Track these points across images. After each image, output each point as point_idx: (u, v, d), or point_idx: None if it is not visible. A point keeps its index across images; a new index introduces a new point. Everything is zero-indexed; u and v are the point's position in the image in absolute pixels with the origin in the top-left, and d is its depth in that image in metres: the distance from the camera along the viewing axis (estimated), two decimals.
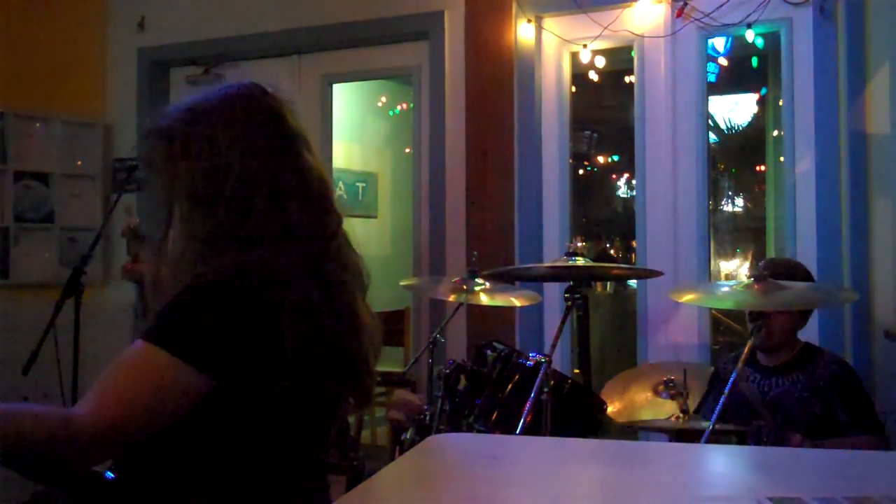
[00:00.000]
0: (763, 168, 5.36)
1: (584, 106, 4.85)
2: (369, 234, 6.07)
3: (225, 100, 1.44)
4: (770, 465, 1.20)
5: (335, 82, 4.28)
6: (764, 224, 4.96)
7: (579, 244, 5.47)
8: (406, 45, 3.99)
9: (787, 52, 3.34)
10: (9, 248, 4.23)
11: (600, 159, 6.06)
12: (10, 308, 4.06)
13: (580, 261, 2.56)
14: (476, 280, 2.91)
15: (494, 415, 2.50)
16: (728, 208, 5.99)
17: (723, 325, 4.32)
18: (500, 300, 3.07)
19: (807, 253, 3.19)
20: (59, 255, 4.38)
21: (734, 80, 4.98)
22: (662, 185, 3.48)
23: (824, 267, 3.13)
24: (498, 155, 3.67)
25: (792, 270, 2.67)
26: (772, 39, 3.61)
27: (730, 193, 5.98)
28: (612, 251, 5.79)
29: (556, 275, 2.89)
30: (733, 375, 2.31)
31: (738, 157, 5.96)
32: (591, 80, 3.84)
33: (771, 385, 2.63)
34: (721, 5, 3.30)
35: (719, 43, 3.99)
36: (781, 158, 3.61)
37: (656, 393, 2.85)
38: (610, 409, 2.78)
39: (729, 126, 5.84)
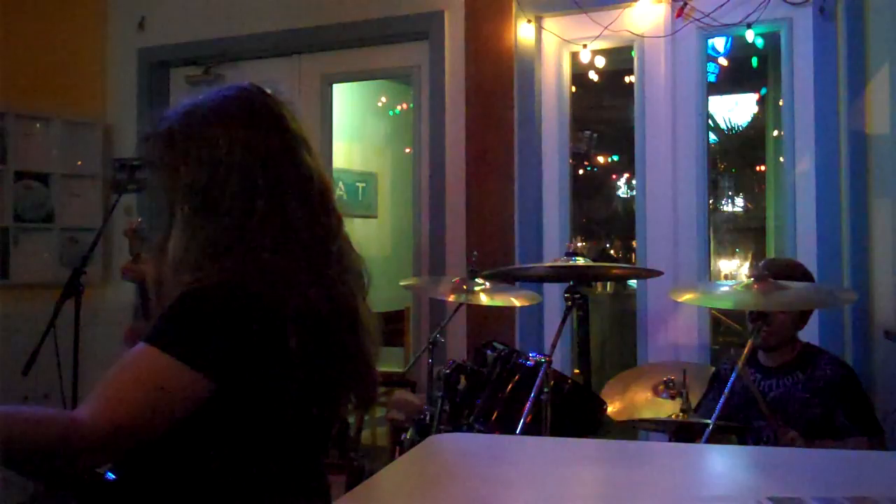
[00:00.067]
0: (763, 168, 5.37)
1: (584, 106, 4.85)
2: (369, 234, 6.06)
3: (224, 102, 1.44)
4: (770, 465, 1.20)
5: (335, 82, 4.28)
6: (764, 224, 4.96)
7: (579, 244, 5.48)
8: (406, 45, 3.99)
9: (786, 52, 3.33)
10: (9, 248, 4.23)
11: (600, 159, 6.06)
12: (10, 308, 4.06)
13: (580, 261, 2.56)
14: (476, 280, 2.90)
15: (494, 415, 2.50)
16: (728, 208, 6.00)
17: (723, 325, 4.32)
18: (500, 300, 3.07)
19: (807, 253, 3.18)
20: (59, 255, 4.38)
21: (734, 80, 4.99)
22: (662, 185, 3.48)
23: (824, 267, 3.13)
24: (498, 155, 3.67)
25: (792, 271, 2.66)
26: (772, 39, 3.61)
27: (730, 193, 5.99)
28: (611, 251, 5.79)
29: (556, 275, 2.89)
30: (733, 375, 2.31)
31: (738, 157, 5.96)
32: (591, 80, 3.84)
33: (771, 385, 2.63)
34: (721, 5, 3.29)
35: (719, 43, 4.00)
36: (781, 158, 3.61)
37: (656, 393, 2.85)
38: (610, 409, 2.79)
39: (729, 126, 5.84)
